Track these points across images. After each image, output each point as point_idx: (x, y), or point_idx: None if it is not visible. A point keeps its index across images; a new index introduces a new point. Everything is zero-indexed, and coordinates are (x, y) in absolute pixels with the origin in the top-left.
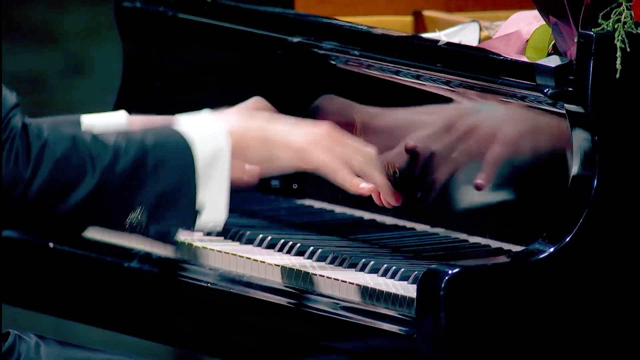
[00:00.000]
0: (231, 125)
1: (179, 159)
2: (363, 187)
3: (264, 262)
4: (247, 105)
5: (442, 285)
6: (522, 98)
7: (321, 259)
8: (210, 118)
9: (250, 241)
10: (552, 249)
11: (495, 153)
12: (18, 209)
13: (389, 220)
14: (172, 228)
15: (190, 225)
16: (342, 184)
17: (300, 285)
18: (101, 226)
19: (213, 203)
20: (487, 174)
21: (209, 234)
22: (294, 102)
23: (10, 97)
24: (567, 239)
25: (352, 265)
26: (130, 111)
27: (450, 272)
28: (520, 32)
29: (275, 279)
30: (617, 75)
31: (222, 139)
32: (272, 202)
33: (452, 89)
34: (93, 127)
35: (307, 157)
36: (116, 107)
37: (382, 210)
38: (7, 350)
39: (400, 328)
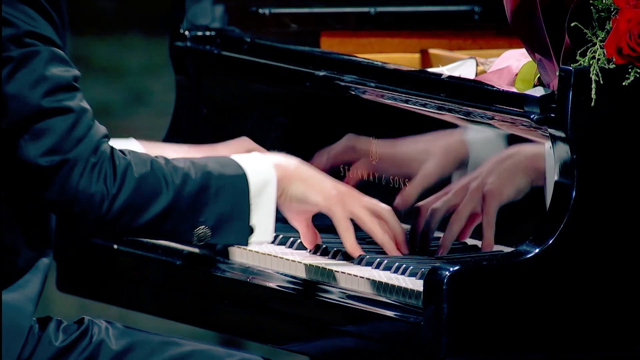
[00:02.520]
0: (278, 161)
1: (236, 185)
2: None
3: (294, 261)
4: (234, 143)
5: (445, 280)
6: (512, 123)
7: (343, 258)
8: (261, 155)
9: (283, 242)
10: (537, 250)
11: (492, 211)
12: (101, 223)
13: None
14: (230, 243)
15: (245, 242)
16: (345, 244)
17: (325, 280)
18: (171, 240)
19: (262, 225)
20: (489, 234)
21: None
22: (319, 127)
23: (101, 128)
24: (550, 242)
25: (369, 264)
26: (181, 133)
27: (451, 269)
28: (511, 67)
29: (301, 275)
30: (592, 104)
31: (271, 171)
32: None
33: (453, 115)
34: None
35: (331, 206)
36: (170, 131)
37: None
38: (83, 331)
39: (409, 316)
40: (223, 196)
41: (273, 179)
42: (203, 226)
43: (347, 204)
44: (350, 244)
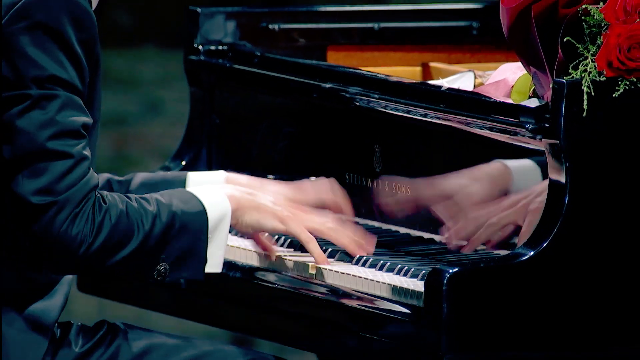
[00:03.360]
0: (231, 192)
1: (196, 222)
2: (325, 261)
3: (298, 262)
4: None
5: (444, 281)
6: (508, 132)
7: (345, 260)
8: (215, 187)
9: (290, 245)
10: (532, 253)
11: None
12: (75, 264)
13: (402, 230)
14: (187, 277)
15: (201, 276)
16: (312, 254)
17: (328, 280)
18: (136, 278)
19: (214, 257)
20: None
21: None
22: (325, 136)
23: (94, 177)
24: (544, 245)
25: (372, 266)
26: (195, 143)
27: (451, 271)
28: (507, 79)
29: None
30: (584, 114)
31: (226, 204)
32: None
33: (452, 125)
34: (198, 182)
35: (287, 226)
36: (184, 140)
37: (397, 222)
38: (102, 335)
39: (410, 315)
40: (185, 233)
41: (228, 212)
42: (165, 263)
43: (304, 220)
44: (317, 254)
